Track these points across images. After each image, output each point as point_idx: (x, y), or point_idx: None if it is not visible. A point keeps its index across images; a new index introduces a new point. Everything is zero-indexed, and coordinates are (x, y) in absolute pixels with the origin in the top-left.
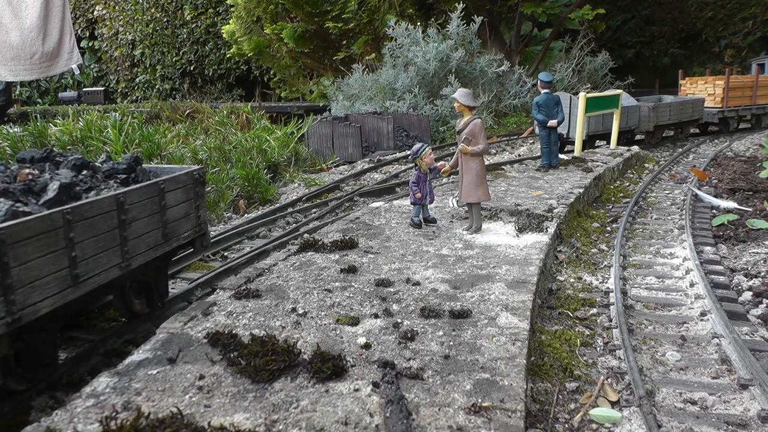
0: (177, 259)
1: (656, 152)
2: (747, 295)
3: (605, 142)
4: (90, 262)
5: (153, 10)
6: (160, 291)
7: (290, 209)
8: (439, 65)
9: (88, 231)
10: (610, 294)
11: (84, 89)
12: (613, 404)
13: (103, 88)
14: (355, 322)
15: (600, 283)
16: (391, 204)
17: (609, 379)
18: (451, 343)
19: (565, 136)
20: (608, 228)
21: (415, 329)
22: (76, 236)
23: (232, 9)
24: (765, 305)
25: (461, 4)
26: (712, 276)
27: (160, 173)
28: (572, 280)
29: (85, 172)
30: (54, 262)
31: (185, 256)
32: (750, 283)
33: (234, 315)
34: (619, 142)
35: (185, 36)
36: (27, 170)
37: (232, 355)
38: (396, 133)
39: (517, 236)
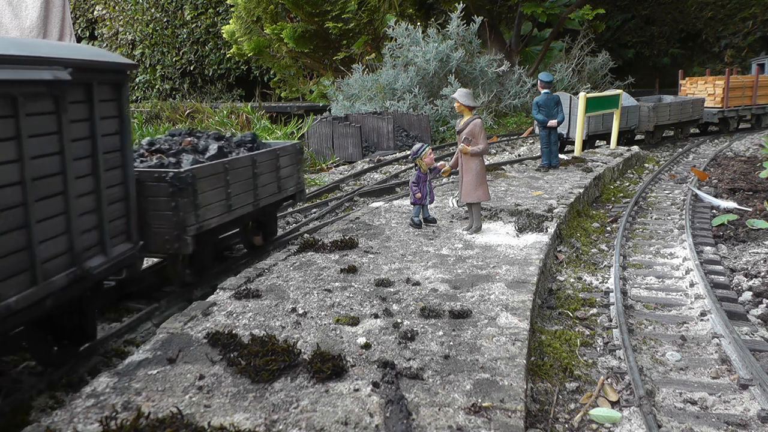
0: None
1: (656, 152)
2: (747, 295)
3: (605, 142)
4: (237, 198)
5: (153, 10)
6: (272, 230)
7: (290, 209)
8: (439, 65)
9: (236, 177)
10: (610, 294)
11: None
12: (613, 404)
13: None
14: (355, 322)
15: (600, 283)
16: (391, 204)
17: (609, 379)
18: (451, 343)
19: (565, 136)
20: (608, 228)
21: (415, 329)
22: (230, 179)
23: (232, 9)
24: (765, 305)
25: (461, 4)
26: (712, 276)
27: (271, 146)
28: (572, 280)
29: (222, 142)
30: (217, 194)
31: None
32: (750, 283)
33: (234, 315)
34: (619, 142)
35: (185, 36)
36: (189, 138)
37: (232, 355)
38: (396, 133)
39: (517, 236)
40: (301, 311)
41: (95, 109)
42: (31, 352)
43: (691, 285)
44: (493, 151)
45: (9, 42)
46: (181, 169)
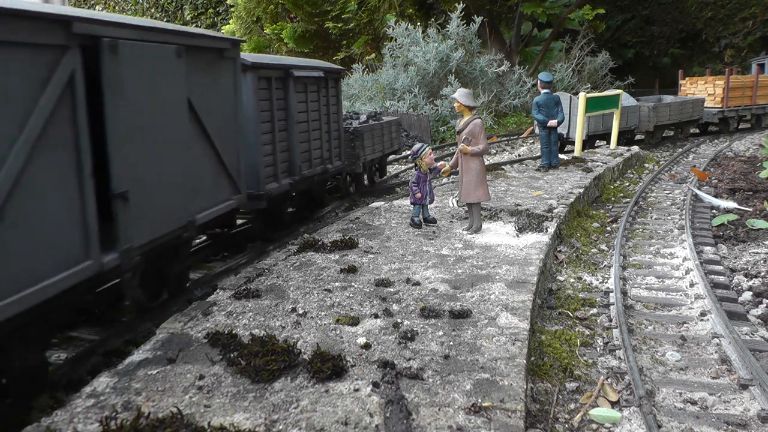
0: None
1: (656, 152)
2: (747, 295)
3: (605, 142)
4: (375, 146)
5: (153, 10)
6: (383, 173)
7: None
8: (439, 65)
9: (376, 133)
10: (610, 294)
11: None
12: (613, 404)
13: None
14: (355, 322)
15: (600, 283)
16: (391, 204)
17: (609, 379)
18: (451, 343)
19: (565, 136)
20: (608, 228)
21: (415, 329)
22: (374, 134)
23: (232, 9)
24: (765, 305)
25: (461, 4)
26: (712, 276)
27: (385, 119)
28: (572, 280)
29: (364, 115)
30: (370, 142)
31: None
32: (750, 283)
33: (234, 315)
34: (619, 142)
35: None
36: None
37: (232, 355)
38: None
39: (517, 236)
40: (301, 311)
41: (329, 91)
42: (299, 211)
43: (691, 285)
44: (493, 151)
45: (300, 61)
46: (357, 126)
